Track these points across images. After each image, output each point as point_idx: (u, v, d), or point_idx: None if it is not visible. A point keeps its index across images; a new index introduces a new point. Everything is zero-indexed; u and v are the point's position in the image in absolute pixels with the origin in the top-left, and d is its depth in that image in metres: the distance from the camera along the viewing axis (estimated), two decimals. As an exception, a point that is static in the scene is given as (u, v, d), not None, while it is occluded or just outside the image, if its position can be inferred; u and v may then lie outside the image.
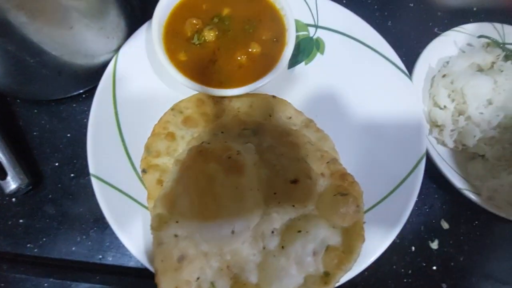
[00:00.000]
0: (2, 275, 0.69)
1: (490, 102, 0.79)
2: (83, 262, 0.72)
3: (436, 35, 0.88)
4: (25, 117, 0.80)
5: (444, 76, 0.84)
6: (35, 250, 0.72)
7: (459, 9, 1.02)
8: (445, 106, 0.81)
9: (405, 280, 0.77)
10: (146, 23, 0.78)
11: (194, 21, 0.75)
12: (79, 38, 0.67)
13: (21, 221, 0.74)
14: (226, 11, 0.77)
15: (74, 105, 0.81)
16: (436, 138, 0.83)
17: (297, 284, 0.58)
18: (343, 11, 0.85)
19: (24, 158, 0.75)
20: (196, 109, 0.74)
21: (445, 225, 0.81)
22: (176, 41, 0.75)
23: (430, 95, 0.85)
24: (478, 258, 0.80)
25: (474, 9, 1.01)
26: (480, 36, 0.89)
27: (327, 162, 0.69)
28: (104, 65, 0.75)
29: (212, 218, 0.59)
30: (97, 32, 0.70)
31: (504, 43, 0.88)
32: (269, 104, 0.76)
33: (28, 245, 0.72)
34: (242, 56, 0.74)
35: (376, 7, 1.00)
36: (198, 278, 0.58)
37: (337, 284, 0.60)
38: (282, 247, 0.60)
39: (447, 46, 0.88)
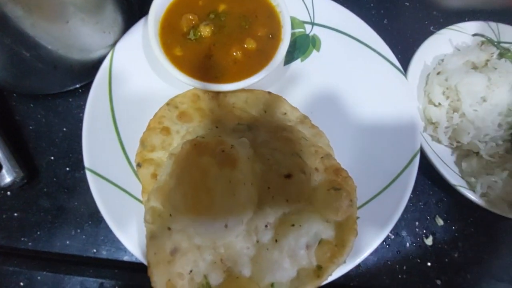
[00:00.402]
0: (-4, 268, 0.70)
1: (484, 100, 0.79)
2: (77, 256, 0.72)
3: (431, 33, 0.89)
4: (21, 111, 0.80)
5: (438, 73, 0.84)
6: (29, 243, 0.72)
7: (455, 8, 1.03)
8: (439, 104, 0.82)
9: (399, 276, 0.77)
10: (142, 19, 0.78)
11: (190, 17, 0.75)
12: (75, 32, 0.67)
13: (15, 214, 0.74)
14: (222, 7, 0.78)
15: (70, 99, 0.82)
16: (431, 135, 0.83)
17: (290, 277, 0.58)
18: (339, 9, 0.85)
19: (20, 152, 0.75)
20: (191, 104, 0.74)
21: (439, 221, 0.82)
22: (172, 36, 0.75)
23: (425, 93, 0.86)
24: (472, 255, 0.80)
25: (470, 8, 1.02)
26: (474, 35, 0.89)
27: (321, 157, 0.69)
28: (100, 60, 0.75)
29: (206, 211, 0.59)
30: (93, 27, 0.70)
31: (499, 42, 0.88)
32: (264, 100, 0.77)
33: (22, 239, 0.72)
34: (238, 52, 0.75)
35: (372, 5, 1.00)
36: (191, 271, 0.58)
37: (330, 278, 0.60)
38: (276, 240, 0.60)
39: (442, 44, 0.89)
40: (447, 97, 0.81)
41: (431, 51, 0.88)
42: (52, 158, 0.78)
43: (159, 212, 0.61)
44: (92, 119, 0.71)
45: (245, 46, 0.75)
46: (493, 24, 0.90)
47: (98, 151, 0.70)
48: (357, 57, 0.83)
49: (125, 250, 0.73)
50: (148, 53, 0.78)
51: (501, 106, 0.78)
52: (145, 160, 0.69)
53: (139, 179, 0.69)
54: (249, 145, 0.67)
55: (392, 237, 0.79)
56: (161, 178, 0.64)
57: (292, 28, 0.78)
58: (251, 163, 0.65)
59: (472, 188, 0.78)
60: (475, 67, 0.86)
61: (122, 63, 0.76)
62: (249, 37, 0.76)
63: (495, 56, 0.84)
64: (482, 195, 0.77)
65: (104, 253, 0.73)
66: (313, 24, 0.86)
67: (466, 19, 0.94)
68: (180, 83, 0.73)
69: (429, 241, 0.80)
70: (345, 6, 0.85)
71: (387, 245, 0.79)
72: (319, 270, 0.58)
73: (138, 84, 0.77)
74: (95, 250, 0.73)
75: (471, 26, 0.90)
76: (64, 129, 0.80)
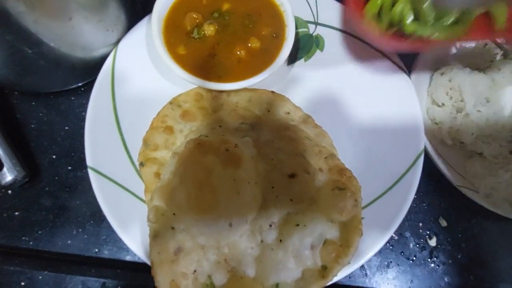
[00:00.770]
0: (-4, 267, 0.69)
1: (487, 100, 0.79)
2: (79, 256, 0.71)
3: (435, 33, 0.89)
4: (23, 110, 0.80)
5: (442, 74, 0.84)
6: (31, 243, 0.72)
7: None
8: (443, 104, 0.82)
9: (403, 277, 0.76)
10: (146, 17, 0.78)
11: (194, 16, 0.75)
12: (78, 30, 0.67)
13: (16, 213, 0.73)
14: (226, 6, 0.77)
15: (72, 98, 0.81)
16: (435, 136, 0.83)
17: (294, 278, 0.58)
18: (343, 9, 0.85)
19: (21, 150, 0.75)
20: (194, 103, 0.74)
21: (443, 222, 0.81)
22: (175, 35, 0.75)
23: (428, 93, 0.85)
24: (476, 256, 0.80)
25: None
26: (478, 35, 0.89)
27: (325, 157, 0.69)
28: (103, 58, 0.75)
29: (209, 210, 0.59)
30: (97, 25, 0.69)
31: (502, 43, 0.88)
32: (268, 99, 0.76)
33: (24, 238, 0.72)
34: (241, 51, 0.74)
35: (375, 5, 1.00)
36: (195, 271, 0.57)
37: (335, 279, 0.60)
38: (280, 240, 0.60)
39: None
40: (451, 98, 0.81)
41: (434, 52, 0.88)
42: (54, 156, 0.77)
43: (162, 211, 0.61)
44: (95, 117, 0.71)
45: (249, 45, 0.75)
46: (496, 25, 0.90)
47: (100, 150, 0.69)
48: (361, 57, 0.83)
49: (127, 249, 0.72)
50: (151, 51, 0.77)
51: (504, 107, 0.78)
52: (148, 159, 0.68)
53: (141, 178, 0.68)
54: (253, 144, 0.67)
55: (396, 238, 0.79)
56: (164, 177, 0.64)
57: (296, 28, 0.77)
58: (255, 163, 0.64)
59: (475, 189, 0.77)
60: (478, 68, 0.85)
61: (125, 61, 0.76)
62: (253, 36, 0.75)
63: (498, 57, 0.84)
64: (486, 196, 0.77)
65: (106, 253, 0.72)
66: (316, 24, 0.85)
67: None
68: (183, 82, 0.73)
69: (432, 242, 0.80)
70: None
71: (390, 246, 0.78)
72: (324, 271, 0.57)
73: (141, 83, 0.76)
74: (97, 250, 0.72)
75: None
76: (66, 127, 0.79)
